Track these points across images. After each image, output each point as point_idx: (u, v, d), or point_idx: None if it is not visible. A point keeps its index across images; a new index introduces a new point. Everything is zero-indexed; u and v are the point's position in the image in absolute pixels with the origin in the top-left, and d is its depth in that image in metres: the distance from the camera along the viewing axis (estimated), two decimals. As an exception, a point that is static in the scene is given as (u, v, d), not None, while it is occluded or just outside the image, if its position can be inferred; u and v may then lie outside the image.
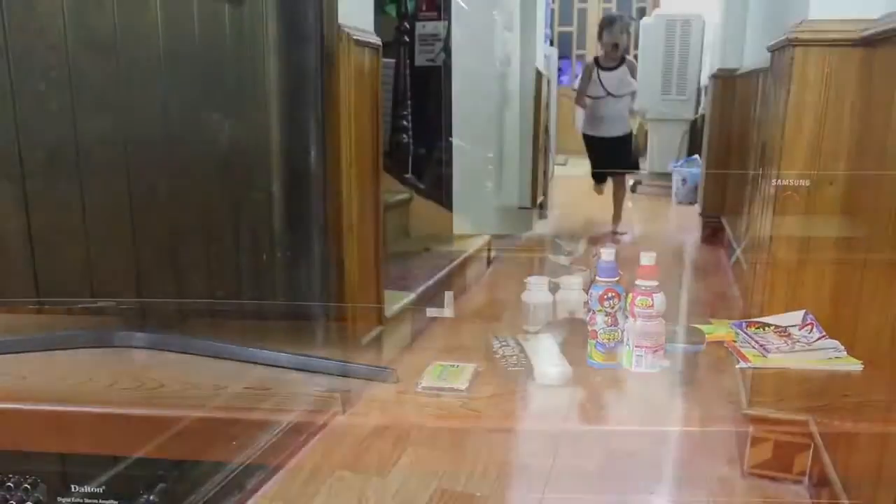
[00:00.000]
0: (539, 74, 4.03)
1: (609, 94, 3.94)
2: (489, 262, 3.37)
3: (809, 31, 1.38)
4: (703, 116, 5.19)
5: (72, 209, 1.13)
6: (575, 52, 8.80)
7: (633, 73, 4.08)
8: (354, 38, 1.73)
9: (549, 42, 4.52)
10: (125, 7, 1.21)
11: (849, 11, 1.35)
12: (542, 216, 4.50)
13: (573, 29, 8.75)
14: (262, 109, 1.60)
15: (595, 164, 4.16)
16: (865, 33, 1.31)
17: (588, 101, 4.05)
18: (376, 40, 1.88)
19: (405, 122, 3.04)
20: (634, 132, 3.96)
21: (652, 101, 5.70)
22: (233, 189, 1.51)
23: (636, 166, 4.43)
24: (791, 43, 1.40)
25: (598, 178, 4.21)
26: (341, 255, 1.76)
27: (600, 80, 3.94)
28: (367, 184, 1.89)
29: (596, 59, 4.03)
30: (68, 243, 1.13)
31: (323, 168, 1.66)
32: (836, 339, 1.40)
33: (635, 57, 4.93)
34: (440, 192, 3.17)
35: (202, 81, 1.40)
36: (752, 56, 3.13)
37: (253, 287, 1.61)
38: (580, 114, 4.17)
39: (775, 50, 1.71)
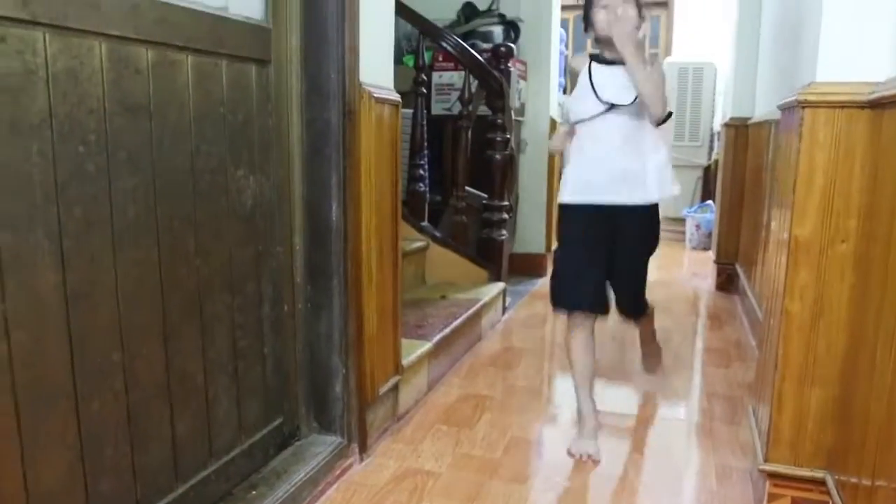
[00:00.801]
0: (553, 123, 4.10)
1: (611, 106, 1.83)
2: (504, 309, 3.39)
3: (817, 94, 1.42)
4: (716, 162, 5.23)
5: (103, 264, 1.17)
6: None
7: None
8: (375, 95, 1.79)
9: (562, 90, 4.59)
10: (159, 71, 1.26)
11: (856, 75, 1.39)
12: (557, 261, 4.51)
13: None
14: (286, 165, 1.66)
15: (579, 281, 1.93)
16: (872, 96, 1.35)
17: (573, 132, 1.93)
18: (396, 97, 1.94)
19: (422, 171, 3.10)
20: (676, 194, 1.95)
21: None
22: (256, 242, 1.56)
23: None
24: (800, 104, 1.44)
25: (592, 304, 1.95)
26: (360, 306, 1.79)
27: (593, 85, 1.86)
28: (387, 236, 1.94)
29: (592, 57, 1.94)
30: (100, 297, 1.17)
31: (344, 221, 1.71)
32: (851, 392, 1.41)
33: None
34: (456, 239, 3.21)
35: (228, 139, 1.46)
36: (764, 106, 3.18)
37: (274, 338, 1.65)
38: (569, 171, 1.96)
39: (785, 108, 1.75)
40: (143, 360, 1.26)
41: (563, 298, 1.97)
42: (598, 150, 1.86)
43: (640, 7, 1.84)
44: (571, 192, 1.91)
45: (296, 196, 1.68)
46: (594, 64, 1.90)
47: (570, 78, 2.10)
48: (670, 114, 1.90)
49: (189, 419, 1.39)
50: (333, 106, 1.67)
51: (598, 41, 1.88)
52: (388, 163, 1.91)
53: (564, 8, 4.60)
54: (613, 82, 1.84)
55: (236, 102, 1.47)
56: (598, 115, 1.84)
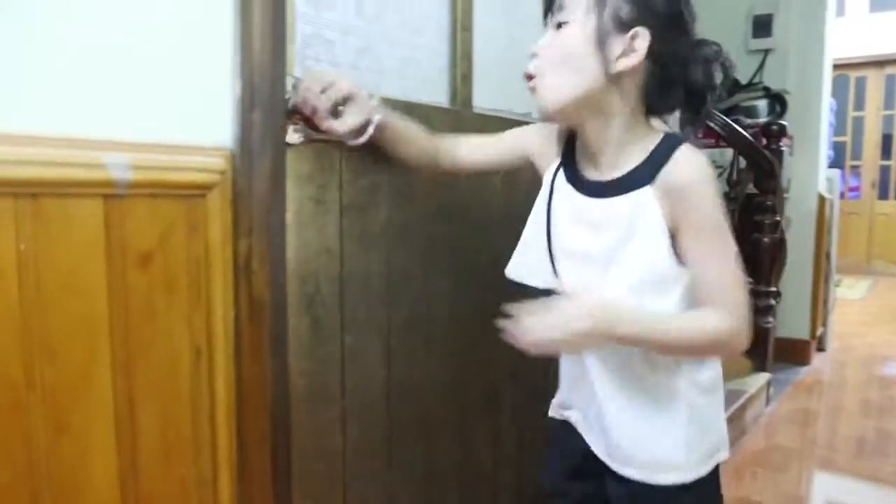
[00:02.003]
0: (822, 200, 3.81)
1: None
2: (767, 401, 3.15)
3: None
4: None
5: (418, 363, 1.27)
6: (849, 162, 8.20)
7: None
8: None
9: (829, 161, 4.26)
10: (473, 182, 1.37)
11: None
12: (821, 348, 4.14)
13: (847, 139, 8.18)
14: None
15: None
16: None
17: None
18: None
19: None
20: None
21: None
22: None
23: None
24: None
25: None
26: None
27: (549, 225, 0.98)
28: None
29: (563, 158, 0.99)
30: (415, 392, 1.26)
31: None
32: None
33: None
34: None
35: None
36: None
37: None
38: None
39: None
40: (441, 450, 1.33)
41: None
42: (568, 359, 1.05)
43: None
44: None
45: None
46: (562, 176, 0.97)
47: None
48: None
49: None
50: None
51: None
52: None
53: (837, 67, 4.28)
54: (589, 233, 0.91)
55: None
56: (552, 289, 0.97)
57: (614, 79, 0.85)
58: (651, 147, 0.88)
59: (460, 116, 1.33)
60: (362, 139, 0.96)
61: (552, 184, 0.97)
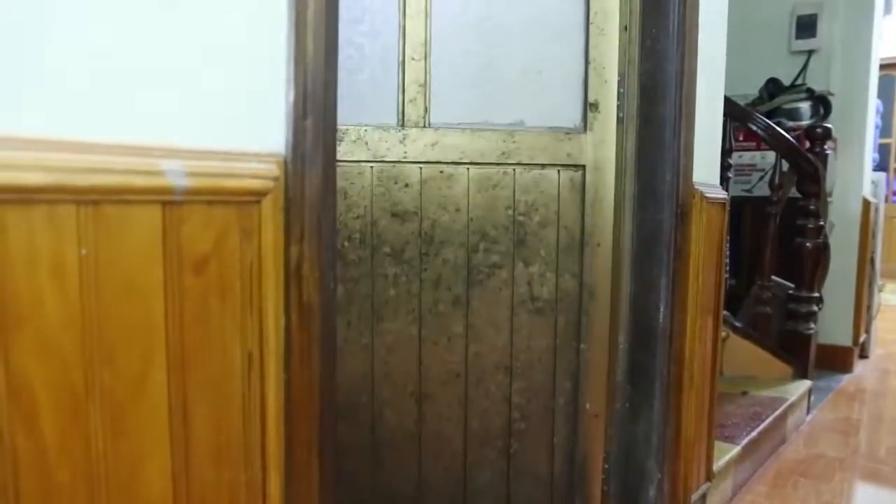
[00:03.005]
0: (867, 204, 3.73)
1: None
2: (808, 408, 3.09)
3: None
4: None
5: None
6: (893, 165, 8.01)
7: None
8: (707, 195, 1.76)
9: (875, 164, 4.16)
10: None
11: None
12: (863, 355, 4.05)
13: (893, 141, 7.99)
14: (604, 264, 1.69)
15: None
16: None
17: None
18: (724, 195, 1.89)
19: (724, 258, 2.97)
20: None
21: None
22: (547, 336, 1.62)
23: None
24: None
25: None
26: (679, 409, 1.74)
27: None
28: (709, 337, 1.88)
29: None
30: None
31: (670, 322, 1.68)
32: None
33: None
34: (757, 330, 3.02)
35: (557, 242, 1.53)
36: None
37: (567, 431, 1.67)
38: None
39: None
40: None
41: None
42: None
43: None
44: None
45: (623, 294, 1.70)
46: None
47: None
48: None
49: None
50: (666, 207, 1.67)
51: None
52: (714, 263, 1.86)
53: (884, 67, 4.18)
54: None
55: (567, 206, 1.55)
56: None
57: None
58: None
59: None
60: None
61: None
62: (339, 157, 1.30)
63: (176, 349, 0.74)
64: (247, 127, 0.82)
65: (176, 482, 0.76)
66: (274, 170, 0.81)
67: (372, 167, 1.50)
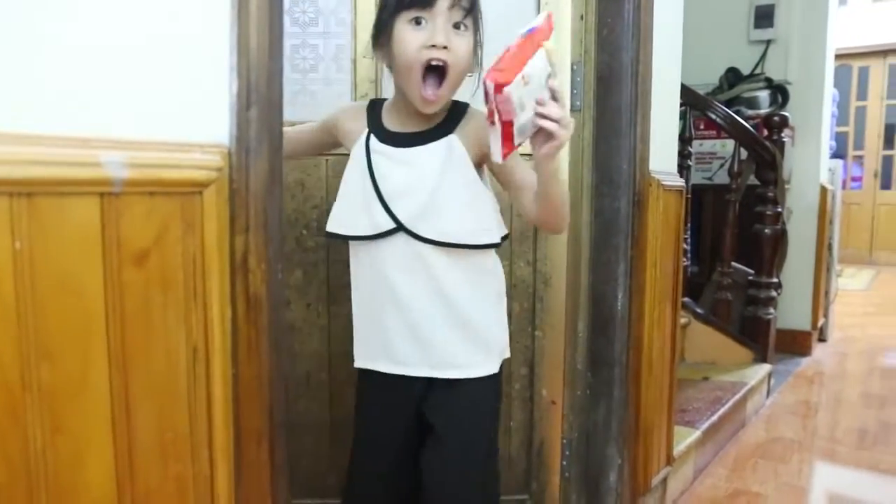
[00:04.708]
0: (824, 191, 3.80)
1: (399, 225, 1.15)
2: (768, 392, 3.15)
3: None
4: None
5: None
6: (851, 152, 8.18)
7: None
8: (664, 183, 1.78)
9: (832, 151, 4.24)
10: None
11: None
12: (822, 339, 4.14)
13: (849, 129, 8.15)
14: (575, 255, 1.70)
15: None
16: None
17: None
18: (681, 183, 1.91)
19: (684, 245, 3.00)
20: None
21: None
22: (521, 327, 1.62)
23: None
24: None
25: None
26: (639, 396, 1.76)
27: (374, 181, 1.17)
28: (667, 325, 1.90)
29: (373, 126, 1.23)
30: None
31: (628, 310, 1.70)
32: None
33: None
34: (718, 316, 3.06)
35: (511, 230, 1.55)
36: None
37: (523, 416, 1.69)
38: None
39: None
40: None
41: None
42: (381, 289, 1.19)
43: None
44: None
45: (581, 282, 1.71)
46: (375, 142, 1.19)
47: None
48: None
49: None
50: (623, 195, 1.68)
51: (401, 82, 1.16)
52: (672, 250, 1.88)
53: (840, 57, 4.26)
54: (407, 180, 1.15)
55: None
56: (382, 234, 1.15)
57: None
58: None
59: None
60: None
61: (367, 152, 1.18)
62: (296, 151, 1.32)
63: (117, 344, 0.73)
64: (190, 117, 0.81)
65: (119, 479, 0.74)
66: (217, 160, 0.80)
67: (327, 160, 1.53)
